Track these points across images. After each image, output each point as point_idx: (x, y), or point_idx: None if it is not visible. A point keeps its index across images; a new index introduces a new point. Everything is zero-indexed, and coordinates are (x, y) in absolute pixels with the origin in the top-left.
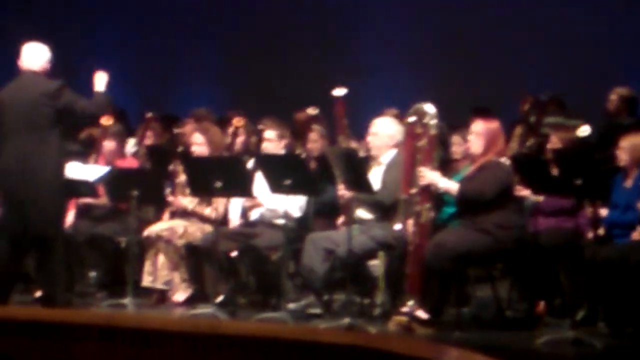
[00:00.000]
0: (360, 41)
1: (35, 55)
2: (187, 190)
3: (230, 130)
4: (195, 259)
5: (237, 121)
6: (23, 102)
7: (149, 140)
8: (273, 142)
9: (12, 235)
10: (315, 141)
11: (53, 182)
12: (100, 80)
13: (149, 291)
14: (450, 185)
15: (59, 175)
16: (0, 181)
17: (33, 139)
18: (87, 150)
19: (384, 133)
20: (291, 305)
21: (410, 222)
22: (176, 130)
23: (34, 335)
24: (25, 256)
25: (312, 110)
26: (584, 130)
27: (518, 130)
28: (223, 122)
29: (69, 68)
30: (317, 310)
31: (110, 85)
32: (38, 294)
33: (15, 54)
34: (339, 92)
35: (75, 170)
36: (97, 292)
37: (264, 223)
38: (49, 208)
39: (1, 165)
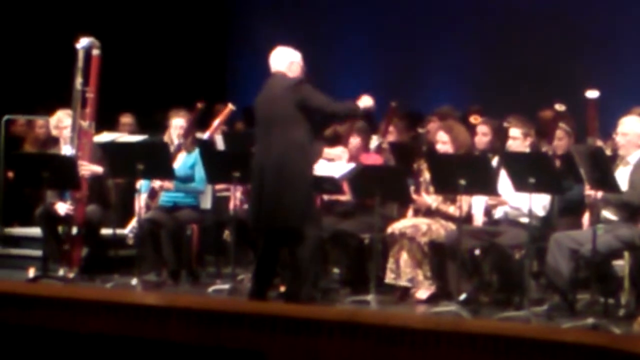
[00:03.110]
0: (608, 36)
1: (282, 58)
2: (431, 188)
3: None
4: (439, 257)
5: (475, 119)
6: (269, 99)
7: (392, 137)
8: (518, 140)
9: (264, 229)
10: (560, 139)
11: (298, 177)
12: (364, 102)
13: (391, 288)
14: None
15: (304, 169)
16: (252, 176)
17: (277, 131)
18: (332, 147)
19: (633, 132)
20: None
21: None
22: (420, 130)
23: (277, 330)
24: (279, 251)
25: (559, 107)
26: None
27: None
28: (466, 119)
29: (319, 70)
30: (560, 310)
31: (357, 82)
32: (282, 289)
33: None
34: (592, 94)
35: (322, 167)
36: (341, 288)
37: (508, 221)
38: (294, 202)
39: (253, 161)
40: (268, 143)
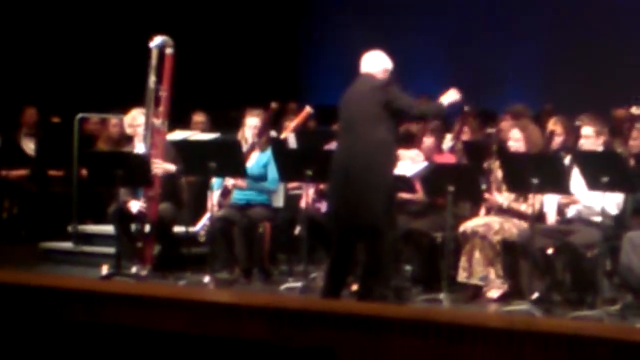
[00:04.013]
0: None
1: (377, 63)
2: (503, 187)
3: (548, 130)
4: (511, 256)
5: (553, 123)
6: (355, 98)
7: (465, 136)
8: (591, 138)
9: (342, 227)
10: (635, 139)
11: (383, 176)
12: (450, 96)
13: (463, 286)
14: None
15: (385, 167)
16: (331, 173)
17: (361, 130)
18: (405, 146)
19: None
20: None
21: None
22: (491, 130)
23: (349, 328)
24: (354, 250)
25: (635, 110)
26: None
27: None
28: (539, 118)
29: (402, 71)
30: (634, 309)
31: (429, 81)
32: (354, 287)
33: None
34: None
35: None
36: (413, 286)
37: (581, 220)
38: (377, 201)
39: (334, 159)
40: (352, 142)
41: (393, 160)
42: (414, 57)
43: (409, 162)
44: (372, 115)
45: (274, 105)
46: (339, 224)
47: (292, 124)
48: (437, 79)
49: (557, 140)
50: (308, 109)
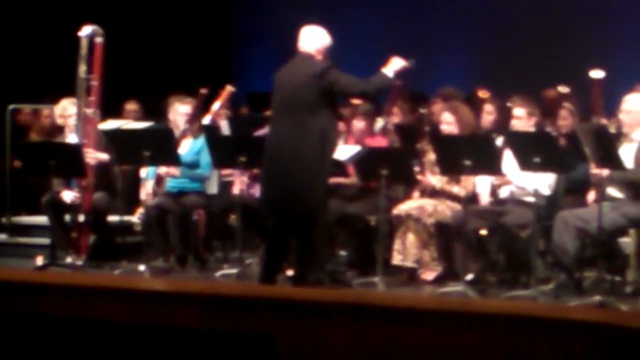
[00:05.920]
0: (613, 14)
1: (316, 41)
2: (436, 169)
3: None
4: (445, 237)
5: (483, 94)
6: (292, 82)
7: (396, 117)
8: (522, 119)
9: (275, 214)
10: (565, 119)
11: (313, 163)
12: (394, 65)
13: (398, 269)
14: None
15: (321, 157)
16: (264, 159)
17: (297, 118)
18: None
19: (637, 110)
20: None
21: None
22: (422, 110)
23: (286, 314)
24: (290, 235)
25: (562, 89)
26: None
27: None
28: (470, 100)
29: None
30: (567, 288)
31: (365, 63)
32: (290, 272)
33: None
34: (596, 74)
35: None
36: (348, 270)
37: (514, 201)
38: (309, 190)
39: (267, 143)
40: (286, 127)
41: (331, 150)
42: (350, 38)
43: (342, 146)
44: (310, 103)
45: (203, 91)
46: (273, 210)
47: (214, 105)
48: (372, 59)
49: (489, 120)
50: (229, 88)
